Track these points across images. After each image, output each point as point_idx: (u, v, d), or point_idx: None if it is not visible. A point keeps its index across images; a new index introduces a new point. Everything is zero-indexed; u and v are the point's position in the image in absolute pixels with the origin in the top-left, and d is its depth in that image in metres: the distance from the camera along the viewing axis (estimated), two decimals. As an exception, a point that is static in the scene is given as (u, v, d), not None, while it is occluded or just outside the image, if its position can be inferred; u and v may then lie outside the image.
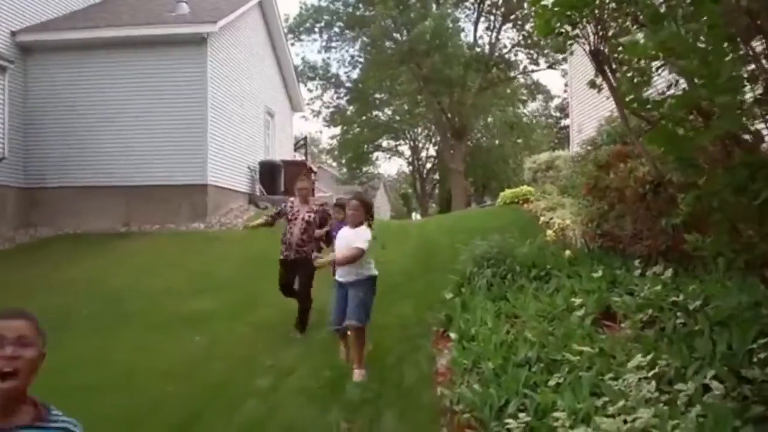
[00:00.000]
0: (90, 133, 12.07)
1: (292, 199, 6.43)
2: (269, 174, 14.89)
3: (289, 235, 6.12)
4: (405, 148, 40.75)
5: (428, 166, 41.57)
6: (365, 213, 5.15)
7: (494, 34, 29.75)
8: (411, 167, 42.12)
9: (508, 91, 32.94)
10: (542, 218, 7.39)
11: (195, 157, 12.07)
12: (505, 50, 30.64)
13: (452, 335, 5.10)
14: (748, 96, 3.12)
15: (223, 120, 12.98)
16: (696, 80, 3.06)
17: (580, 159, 9.50)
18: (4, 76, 10.27)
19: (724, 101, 2.63)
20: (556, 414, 3.33)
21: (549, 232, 6.87)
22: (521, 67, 31.22)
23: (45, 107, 12.12)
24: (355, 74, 32.42)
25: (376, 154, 39.50)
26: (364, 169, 38.80)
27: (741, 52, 2.65)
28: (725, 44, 2.58)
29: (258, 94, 15.76)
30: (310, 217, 6.19)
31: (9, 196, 11.64)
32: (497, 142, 36.18)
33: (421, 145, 40.87)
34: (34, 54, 12.20)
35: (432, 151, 40.54)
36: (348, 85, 32.95)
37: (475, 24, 29.97)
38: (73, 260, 9.79)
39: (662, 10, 2.84)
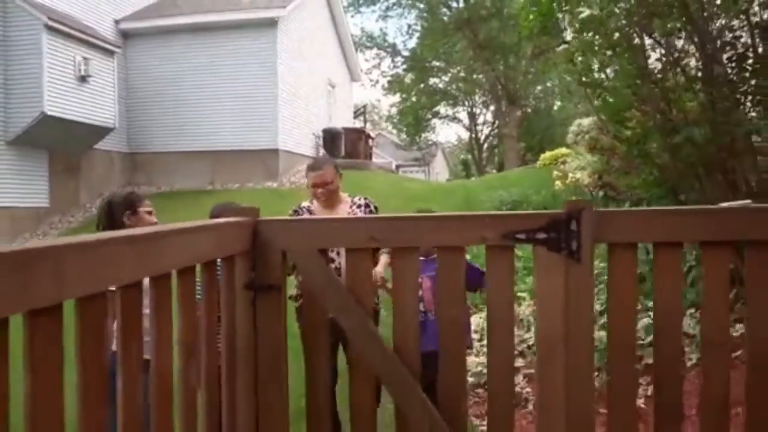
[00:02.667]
0: (180, 106, 14.13)
1: (305, 204, 3.63)
2: (331, 140, 16.65)
3: None
4: (463, 115, 41.75)
5: (486, 131, 42.47)
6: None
7: None
8: (469, 133, 43.15)
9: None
10: (556, 172, 8.82)
11: (268, 126, 13.97)
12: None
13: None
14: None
15: (291, 92, 14.79)
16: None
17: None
18: (113, 60, 12.32)
19: (614, 85, 4.10)
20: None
21: (557, 183, 8.31)
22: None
23: (142, 85, 14.24)
24: (411, 43, 33.62)
25: (434, 120, 40.69)
26: (423, 135, 40.10)
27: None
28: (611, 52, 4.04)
29: (321, 67, 17.47)
30: None
31: (116, 160, 13.91)
32: (558, 104, 36.67)
33: (478, 111, 41.75)
34: (132, 39, 14.30)
35: (489, 117, 41.41)
36: (405, 53, 34.16)
37: (530, -10, 30.47)
38: (172, 212, 11.88)
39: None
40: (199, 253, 1.87)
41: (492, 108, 38.72)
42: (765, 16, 4.26)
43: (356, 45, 25.14)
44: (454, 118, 41.49)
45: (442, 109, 39.39)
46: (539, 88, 36.20)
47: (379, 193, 9.93)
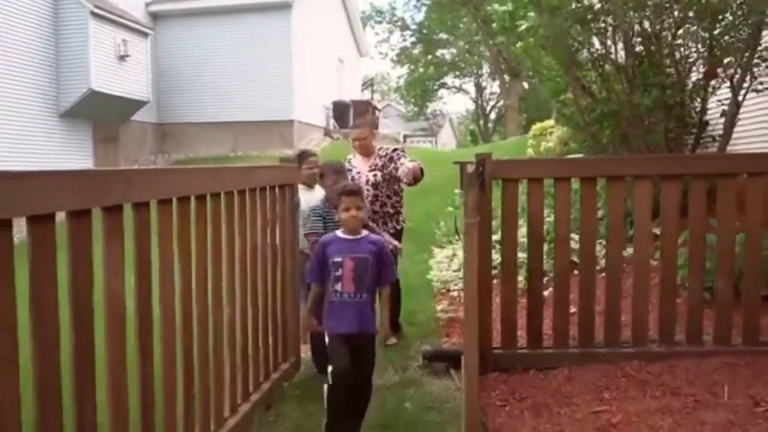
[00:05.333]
0: (204, 81, 15.65)
1: (349, 156, 4.61)
2: (340, 111, 18.16)
3: None
4: (470, 86, 42.79)
5: (491, 102, 43.55)
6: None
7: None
8: (475, 104, 44.26)
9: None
10: (530, 141, 10.32)
11: (283, 99, 15.50)
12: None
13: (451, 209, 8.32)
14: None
15: (304, 69, 16.25)
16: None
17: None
18: (147, 40, 13.84)
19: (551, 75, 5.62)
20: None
21: (530, 150, 9.84)
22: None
23: (170, 62, 15.74)
24: (419, 17, 34.64)
25: (441, 91, 41.75)
26: (430, 106, 41.25)
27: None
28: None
29: (331, 43, 18.88)
30: (375, 177, 4.38)
31: (148, 130, 15.52)
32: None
33: (484, 83, 42.78)
34: (161, 20, 15.77)
35: (496, 89, 42.46)
36: (413, 27, 35.21)
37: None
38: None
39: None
40: (281, 179, 3.48)
41: (497, 80, 39.83)
42: (658, 27, 5.74)
43: (365, 20, 26.26)
44: (461, 89, 42.63)
45: (449, 80, 40.48)
46: (580, 36, 36.91)
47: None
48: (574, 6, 5.77)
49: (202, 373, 2.68)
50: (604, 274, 4.04)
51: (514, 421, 3.16)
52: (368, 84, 26.28)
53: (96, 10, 11.97)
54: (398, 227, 4.50)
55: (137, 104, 13.95)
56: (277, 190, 3.65)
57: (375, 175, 4.36)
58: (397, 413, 3.39)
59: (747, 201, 3.63)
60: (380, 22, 34.78)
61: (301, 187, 4.14)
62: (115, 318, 2.03)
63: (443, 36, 35.87)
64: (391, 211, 4.43)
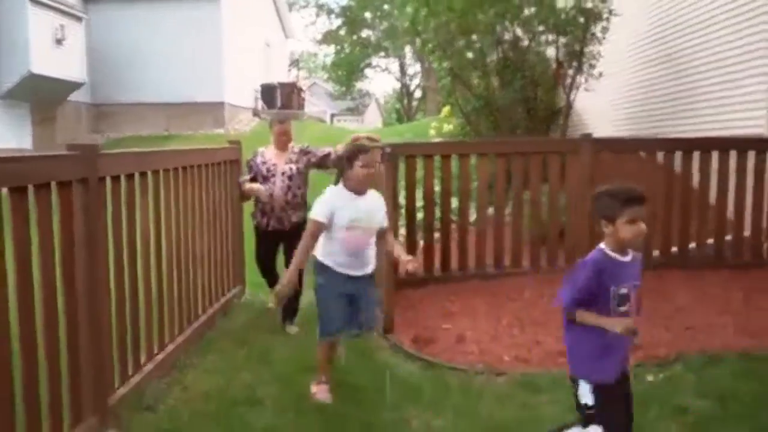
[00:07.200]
0: (138, 63, 16.45)
1: (261, 149, 4.85)
2: (268, 93, 19.39)
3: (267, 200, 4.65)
4: (395, 66, 44.28)
5: (415, 82, 45.31)
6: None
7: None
8: (400, 84, 45.88)
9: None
10: (433, 123, 12.09)
11: (215, 82, 16.59)
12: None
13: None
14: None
15: (233, 53, 17.34)
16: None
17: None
18: (82, 24, 14.61)
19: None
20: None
21: (432, 132, 11.60)
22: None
23: (104, 45, 16.37)
24: (344, 1, 35.77)
25: (367, 71, 43.06)
26: (356, 86, 42.54)
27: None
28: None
29: (258, 28, 20.00)
30: (291, 170, 4.66)
31: (83, 110, 16.26)
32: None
33: (408, 63, 44.40)
34: (93, 4, 16.40)
35: (419, 68, 44.13)
36: (337, 11, 36.36)
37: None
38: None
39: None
40: (214, 158, 4.96)
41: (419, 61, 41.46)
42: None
43: (291, 4, 27.26)
44: (386, 69, 44.06)
45: (375, 60, 41.83)
46: (461, 43, 39.03)
47: (312, 140, 12.92)
48: (458, 20, 7.45)
49: (187, 282, 4.20)
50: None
51: (397, 313, 4.83)
52: (294, 63, 27.43)
53: (34, -3, 12.72)
54: (305, 216, 4.22)
55: (74, 86, 14.72)
56: (228, 164, 5.14)
57: (291, 168, 4.63)
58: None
59: (550, 172, 5.44)
60: (305, 6, 35.70)
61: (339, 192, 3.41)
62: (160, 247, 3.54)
63: (368, 15, 37.07)
64: (300, 201, 4.69)
